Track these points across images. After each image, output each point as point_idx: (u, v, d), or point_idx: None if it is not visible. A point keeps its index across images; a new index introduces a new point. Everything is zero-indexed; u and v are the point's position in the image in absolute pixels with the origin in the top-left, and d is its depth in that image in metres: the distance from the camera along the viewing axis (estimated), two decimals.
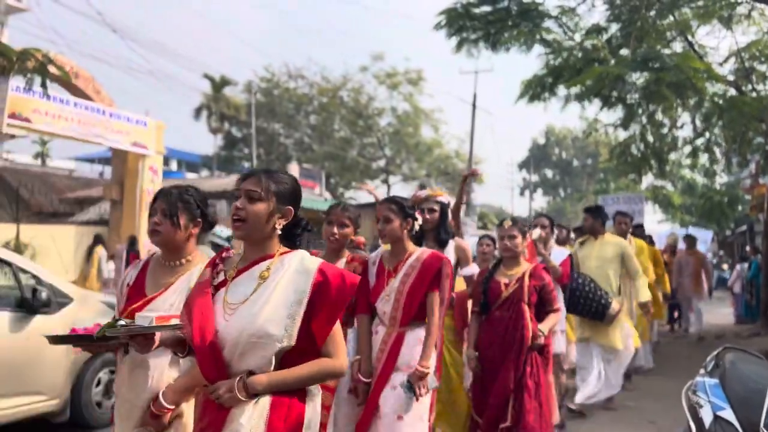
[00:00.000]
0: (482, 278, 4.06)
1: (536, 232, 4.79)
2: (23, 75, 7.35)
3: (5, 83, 9.23)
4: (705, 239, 16.62)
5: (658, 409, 5.72)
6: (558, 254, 5.09)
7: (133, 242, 11.70)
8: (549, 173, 60.71)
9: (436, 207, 4.08)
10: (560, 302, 4.61)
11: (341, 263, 3.39)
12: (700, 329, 10.58)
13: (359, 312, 3.34)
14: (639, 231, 8.25)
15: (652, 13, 9.73)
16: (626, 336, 5.59)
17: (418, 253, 3.32)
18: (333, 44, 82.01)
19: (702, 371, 3.49)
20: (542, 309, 3.93)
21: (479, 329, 4.00)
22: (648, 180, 16.42)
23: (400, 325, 3.22)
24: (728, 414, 2.89)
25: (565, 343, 5.15)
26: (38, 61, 7.08)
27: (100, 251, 12.77)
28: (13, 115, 10.69)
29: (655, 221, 27.40)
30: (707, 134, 11.99)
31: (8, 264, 4.93)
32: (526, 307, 3.85)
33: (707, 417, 2.96)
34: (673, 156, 12.82)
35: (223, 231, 12.42)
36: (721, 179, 20.04)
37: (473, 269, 4.26)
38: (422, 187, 7.42)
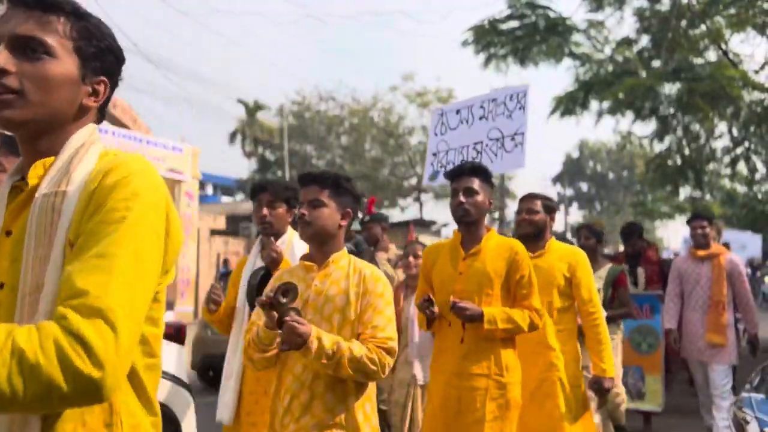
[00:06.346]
0: None
1: None
2: None
3: None
4: (744, 243, 14.81)
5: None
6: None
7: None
8: (584, 187, 59.96)
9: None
10: None
11: None
12: None
13: None
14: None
15: (684, 23, 9.62)
16: None
17: None
18: (364, 67, 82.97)
19: (747, 386, 3.40)
20: None
21: None
22: (686, 191, 16.09)
23: None
24: None
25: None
26: None
27: None
28: None
29: None
30: (746, 143, 11.76)
31: None
32: None
33: None
34: (711, 166, 12.58)
35: None
36: (764, 188, 19.55)
37: None
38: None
